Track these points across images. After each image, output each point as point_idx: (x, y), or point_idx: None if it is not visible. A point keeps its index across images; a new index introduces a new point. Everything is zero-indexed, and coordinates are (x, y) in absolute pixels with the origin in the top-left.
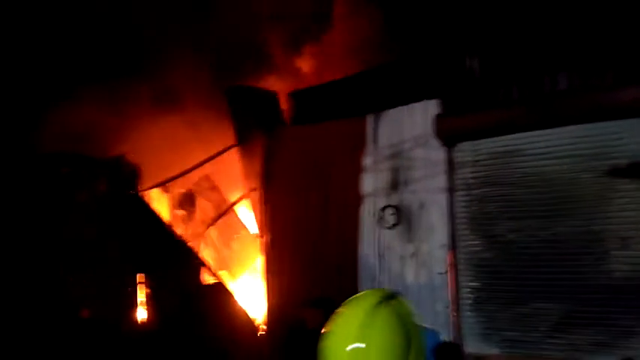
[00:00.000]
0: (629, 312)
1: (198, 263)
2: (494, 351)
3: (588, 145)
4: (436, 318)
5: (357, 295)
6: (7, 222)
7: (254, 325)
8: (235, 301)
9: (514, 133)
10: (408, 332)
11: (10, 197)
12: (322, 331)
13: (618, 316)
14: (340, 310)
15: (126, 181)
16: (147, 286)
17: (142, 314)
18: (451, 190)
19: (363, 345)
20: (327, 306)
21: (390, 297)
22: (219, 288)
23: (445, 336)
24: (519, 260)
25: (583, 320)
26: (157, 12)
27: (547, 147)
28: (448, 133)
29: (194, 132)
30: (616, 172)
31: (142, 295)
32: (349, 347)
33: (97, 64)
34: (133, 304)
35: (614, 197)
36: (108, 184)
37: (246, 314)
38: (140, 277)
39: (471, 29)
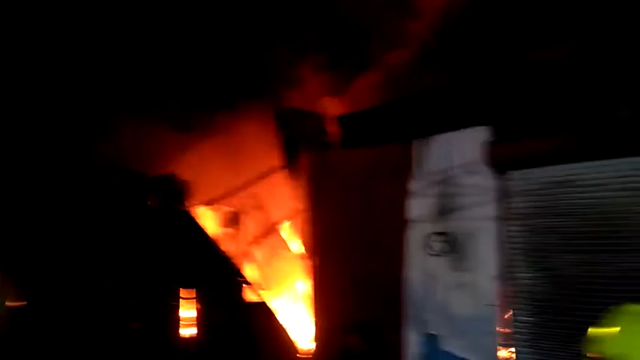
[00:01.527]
0: None
1: (242, 281)
2: None
3: None
4: (484, 352)
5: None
6: (61, 230)
7: (294, 347)
8: (277, 321)
9: (568, 162)
10: None
11: (64, 206)
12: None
13: None
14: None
15: (175, 198)
16: (198, 302)
17: (189, 330)
18: (502, 219)
19: None
20: (369, 332)
21: None
22: (263, 307)
23: None
24: (578, 296)
25: None
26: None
27: (603, 178)
28: (499, 161)
29: (242, 152)
30: None
31: (191, 310)
32: None
33: (152, 84)
34: (177, 318)
35: None
36: (158, 200)
37: (288, 335)
38: (190, 292)
39: (526, 50)
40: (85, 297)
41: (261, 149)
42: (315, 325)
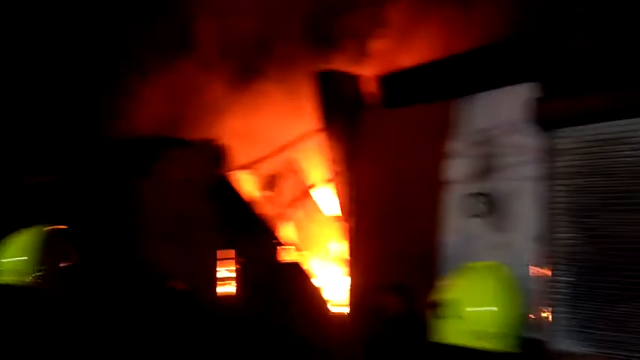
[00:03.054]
0: None
1: (276, 242)
2: (589, 350)
3: None
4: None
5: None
6: (106, 198)
7: (326, 305)
8: (310, 281)
9: (622, 118)
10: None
11: (109, 175)
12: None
13: None
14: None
15: (215, 163)
16: (236, 262)
17: (225, 289)
18: (546, 178)
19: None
20: (406, 293)
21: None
22: (296, 267)
23: (532, 331)
24: (621, 256)
25: None
26: None
27: None
28: (546, 118)
29: (280, 115)
30: None
31: (229, 270)
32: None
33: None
34: (215, 279)
35: None
36: (199, 166)
37: (320, 294)
38: (229, 253)
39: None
40: (127, 259)
41: (299, 112)
42: (350, 285)
